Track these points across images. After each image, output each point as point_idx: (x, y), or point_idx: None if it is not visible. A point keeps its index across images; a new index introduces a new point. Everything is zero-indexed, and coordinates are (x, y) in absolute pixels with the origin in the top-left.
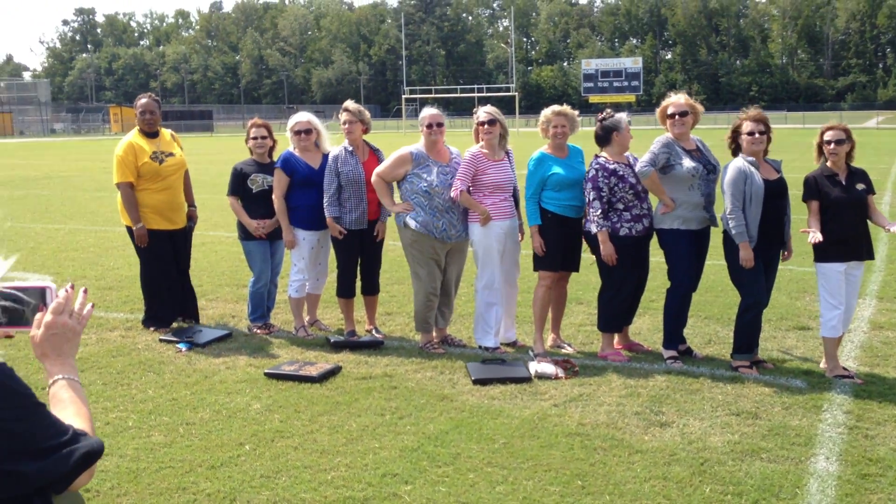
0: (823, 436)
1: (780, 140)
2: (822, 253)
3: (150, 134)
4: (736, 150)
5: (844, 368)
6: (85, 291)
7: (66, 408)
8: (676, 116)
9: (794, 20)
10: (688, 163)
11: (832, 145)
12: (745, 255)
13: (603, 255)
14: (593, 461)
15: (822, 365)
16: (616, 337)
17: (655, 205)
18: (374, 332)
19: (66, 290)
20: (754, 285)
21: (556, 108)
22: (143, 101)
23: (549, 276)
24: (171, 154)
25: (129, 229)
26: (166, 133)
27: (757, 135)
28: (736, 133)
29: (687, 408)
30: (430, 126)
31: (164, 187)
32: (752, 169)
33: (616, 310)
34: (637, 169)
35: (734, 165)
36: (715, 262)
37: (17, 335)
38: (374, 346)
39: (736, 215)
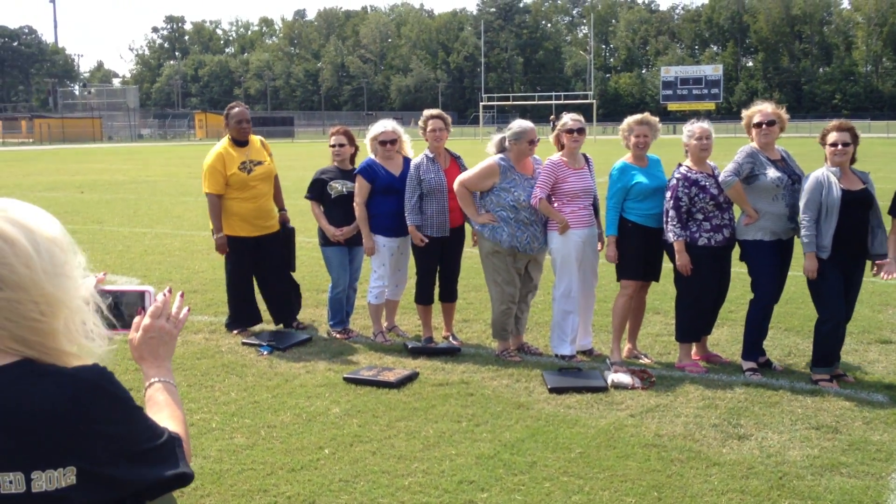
0: None
1: (864, 150)
2: None
3: (241, 143)
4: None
5: None
6: (182, 295)
7: (162, 410)
8: (764, 126)
9: (880, 27)
10: (772, 173)
11: (836, 147)
12: (810, 265)
13: (679, 265)
14: (670, 473)
15: None
16: (694, 347)
17: (738, 216)
18: (451, 338)
19: (164, 294)
20: (830, 298)
21: (638, 116)
22: (236, 109)
23: (631, 286)
24: (259, 162)
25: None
26: (256, 140)
27: (840, 146)
28: (822, 142)
29: (765, 421)
30: (532, 142)
31: (252, 196)
32: (833, 179)
33: (694, 320)
34: (721, 179)
35: (813, 175)
36: (796, 273)
37: (118, 338)
38: (451, 353)
39: (807, 225)
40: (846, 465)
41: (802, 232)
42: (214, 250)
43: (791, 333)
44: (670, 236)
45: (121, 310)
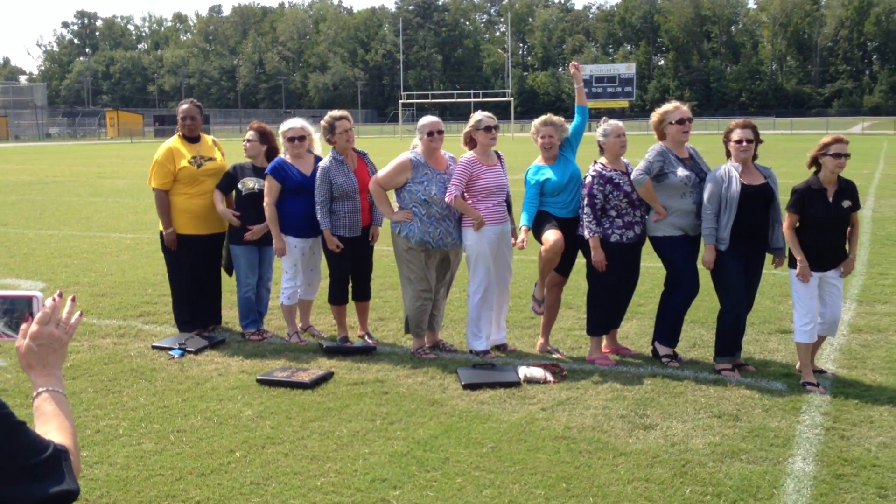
0: (801, 437)
1: (769, 146)
2: (796, 261)
3: (191, 139)
4: (729, 154)
5: (816, 373)
6: (73, 300)
7: (49, 421)
8: (686, 122)
9: (784, 27)
10: (681, 171)
11: (842, 158)
12: (709, 256)
13: (594, 261)
14: (578, 464)
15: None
16: (605, 340)
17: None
18: (366, 337)
19: (54, 300)
20: (732, 290)
21: (542, 118)
22: (184, 106)
23: (553, 235)
24: (211, 159)
25: (162, 235)
26: (208, 139)
27: (744, 142)
28: (727, 139)
29: (671, 410)
30: (431, 134)
31: (201, 192)
32: (734, 174)
33: (604, 314)
34: (633, 178)
35: (716, 170)
36: (700, 267)
37: (4, 344)
38: (366, 352)
39: (708, 217)
40: (746, 452)
41: (703, 224)
42: (126, 251)
43: (696, 325)
44: (586, 233)
45: (8, 316)
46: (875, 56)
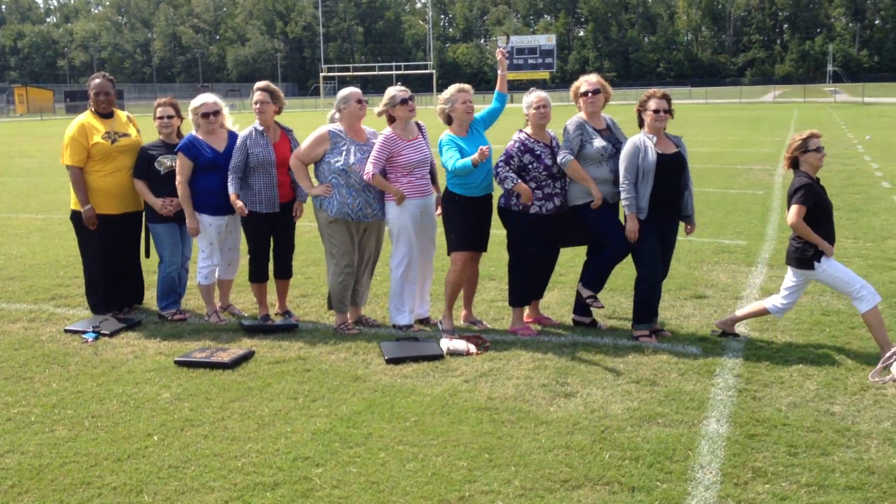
0: (715, 399)
1: (685, 115)
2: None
3: (105, 115)
4: (642, 123)
5: (730, 336)
6: None
7: None
8: (589, 94)
9: None
10: (598, 142)
11: (822, 151)
12: (632, 226)
13: (524, 196)
14: (500, 434)
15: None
16: (527, 311)
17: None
18: (287, 315)
19: None
20: (650, 257)
21: (455, 85)
22: (96, 81)
23: (460, 258)
24: (125, 135)
25: (75, 214)
26: (122, 115)
27: (662, 112)
28: (642, 108)
29: (591, 378)
30: (360, 102)
31: (116, 169)
32: (649, 143)
33: (526, 286)
34: (559, 162)
35: (630, 141)
36: None
37: None
38: (288, 330)
39: (627, 188)
40: (662, 416)
41: (623, 195)
42: (36, 233)
43: (615, 293)
44: (507, 184)
45: None
46: (786, 26)
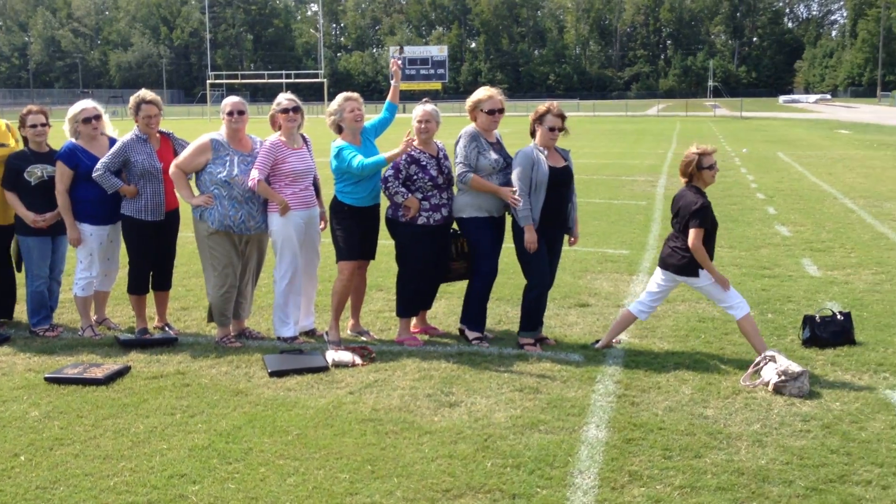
0: (595, 405)
1: (573, 127)
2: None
3: None
4: (534, 134)
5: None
6: None
7: None
8: (496, 113)
9: (587, 12)
10: (492, 155)
11: (715, 168)
12: (530, 237)
13: (412, 209)
14: (384, 445)
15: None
16: (414, 321)
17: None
18: (166, 328)
19: None
20: (538, 267)
21: (345, 94)
22: None
23: (348, 268)
24: (3, 145)
25: None
26: (1, 124)
27: (557, 131)
28: (537, 121)
29: (475, 387)
30: (231, 114)
31: None
32: (541, 157)
33: (413, 296)
34: (459, 180)
35: (524, 153)
36: (506, 245)
37: None
38: (166, 344)
39: (522, 200)
40: (545, 423)
41: (518, 207)
42: None
43: (502, 302)
44: (398, 198)
45: None
46: (669, 42)
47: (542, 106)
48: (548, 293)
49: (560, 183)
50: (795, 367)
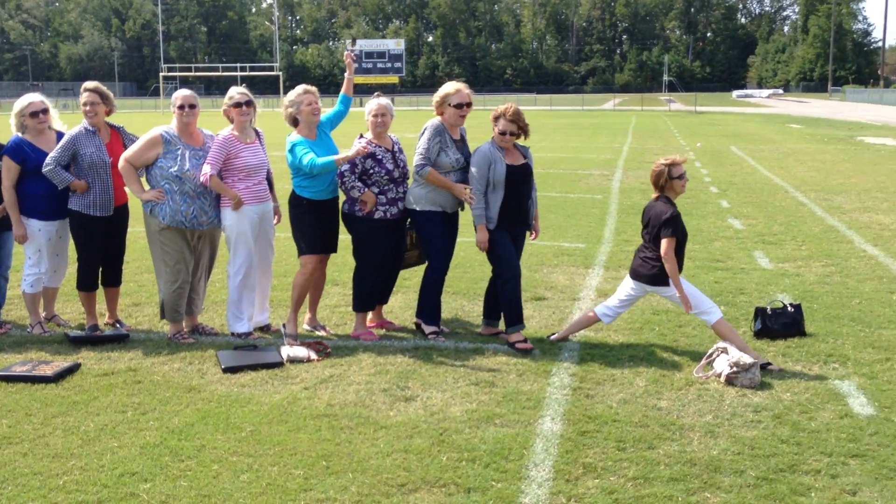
0: (551, 398)
1: (530, 122)
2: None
3: None
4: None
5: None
6: None
7: None
8: (464, 107)
9: (544, 7)
10: (453, 153)
11: (685, 178)
12: (482, 237)
13: (369, 205)
14: (339, 441)
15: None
16: (370, 315)
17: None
18: (117, 325)
19: None
20: (506, 257)
21: (300, 87)
22: None
23: (311, 261)
24: None
25: None
26: None
27: (508, 135)
28: (494, 121)
29: (431, 381)
30: (181, 108)
31: None
32: (499, 155)
33: (370, 290)
34: (416, 172)
35: (481, 151)
36: (462, 240)
37: None
38: (118, 340)
39: (476, 199)
40: (500, 416)
41: (472, 205)
42: None
43: (458, 296)
44: (346, 206)
45: None
46: (625, 37)
47: (501, 107)
48: (520, 282)
49: (519, 181)
50: (747, 359)
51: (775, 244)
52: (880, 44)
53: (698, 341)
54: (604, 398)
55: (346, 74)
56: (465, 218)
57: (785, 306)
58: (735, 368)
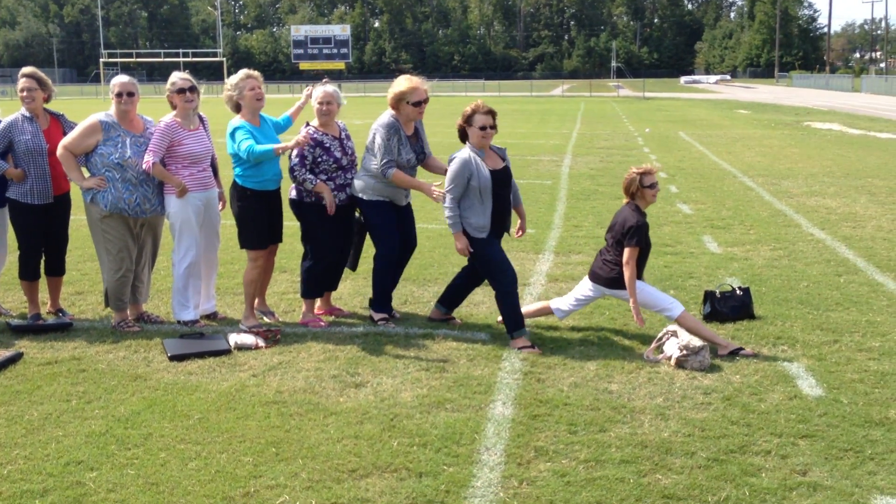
0: (502, 383)
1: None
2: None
3: None
4: (464, 138)
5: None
6: None
7: None
8: (422, 104)
9: None
10: (406, 153)
11: (657, 188)
12: (461, 246)
13: (328, 202)
14: (288, 427)
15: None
16: (318, 302)
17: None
18: (60, 314)
19: None
20: (501, 268)
21: (244, 71)
22: None
23: (260, 255)
24: None
25: None
26: None
27: (489, 129)
28: (466, 124)
29: (381, 367)
30: (119, 95)
31: None
32: (479, 161)
33: (318, 277)
34: (383, 173)
35: (461, 158)
36: (427, 226)
37: None
38: (61, 329)
39: (450, 206)
40: (451, 401)
41: (447, 213)
42: None
43: (408, 283)
44: (292, 192)
45: None
46: (573, 23)
47: (469, 107)
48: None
49: (501, 185)
50: (696, 342)
51: (724, 228)
52: (826, 30)
53: (648, 325)
54: (555, 382)
55: (298, 102)
56: (418, 202)
57: (734, 290)
58: (685, 351)
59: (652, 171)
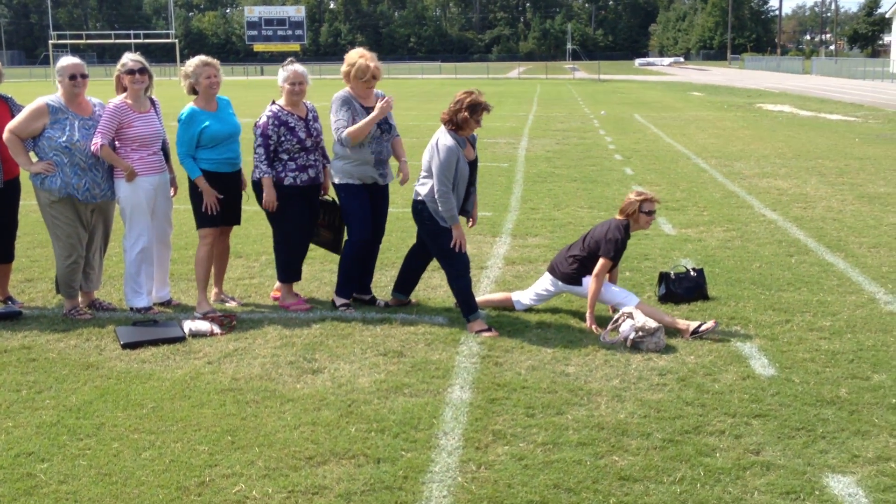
0: (460, 367)
1: (434, 90)
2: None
3: None
4: (451, 120)
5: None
6: None
7: None
8: (371, 80)
9: None
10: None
11: (653, 216)
12: (458, 235)
13: (265, 200)
14: (244, 415)
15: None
16: (278, 285)
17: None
18: (8, 301)
19: None
20: (462, 253)
21: (202, 57)
22: None
23: (210, 234)
24: None
25: None
26: None
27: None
28: (467, 109)
29: (338, 353)
30: (73, 77)
31: None
32: (460, 150)
33: (293, 259)
34: (337, 140)
35: (447, 146)
36: (397, 210)
37: None
38: (10, 317)
39: (446, 197)
40: (409, 386)
41: (442, 206)
42: None
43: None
44: (256, 173)
45: None
46: (528, 4)
47: (475, 97)
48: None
49: (472, 174)
50: (652, 323)
51: (678, 210)
52: (777, 12)
53: (604, 307)
54: (512, 365)
55: None
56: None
57: (688, 271)
58: (640, 333)
59: (655, 199)
